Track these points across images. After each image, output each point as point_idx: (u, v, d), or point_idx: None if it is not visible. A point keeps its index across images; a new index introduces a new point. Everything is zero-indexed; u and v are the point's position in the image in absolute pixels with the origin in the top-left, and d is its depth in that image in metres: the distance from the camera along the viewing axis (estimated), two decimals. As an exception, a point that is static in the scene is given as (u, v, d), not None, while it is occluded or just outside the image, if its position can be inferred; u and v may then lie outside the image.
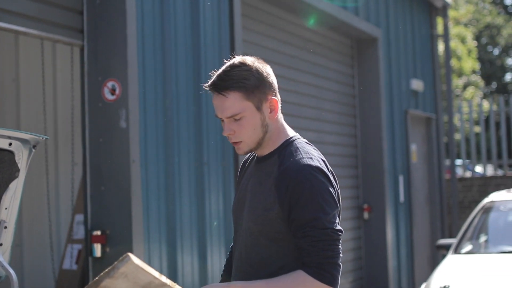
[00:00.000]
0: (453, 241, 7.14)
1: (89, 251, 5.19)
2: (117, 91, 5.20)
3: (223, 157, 6.23)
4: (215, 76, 2.61)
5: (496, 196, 7.48)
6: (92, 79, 5.29)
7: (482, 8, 30.56)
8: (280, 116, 2.70)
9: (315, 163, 2.57)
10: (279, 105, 2.67)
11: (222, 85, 2.58)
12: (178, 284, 5.51)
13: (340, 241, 2.54)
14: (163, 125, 5.57)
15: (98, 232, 5.17)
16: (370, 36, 9.28)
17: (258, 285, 2.55)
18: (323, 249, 2.49)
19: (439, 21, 11.93)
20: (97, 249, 5.16)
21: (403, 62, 10.29)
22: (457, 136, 15.15)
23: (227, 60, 2.66)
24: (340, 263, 2.53)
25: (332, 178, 2.61)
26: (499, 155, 13.88)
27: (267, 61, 7.99)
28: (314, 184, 2.53)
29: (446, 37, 11.86)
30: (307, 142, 2.71)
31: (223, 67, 2.62)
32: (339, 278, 2.54)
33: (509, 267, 6.06)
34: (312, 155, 2.61)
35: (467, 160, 13.88)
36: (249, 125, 2.59)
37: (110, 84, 5.23)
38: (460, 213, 12.05)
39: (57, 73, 6.64)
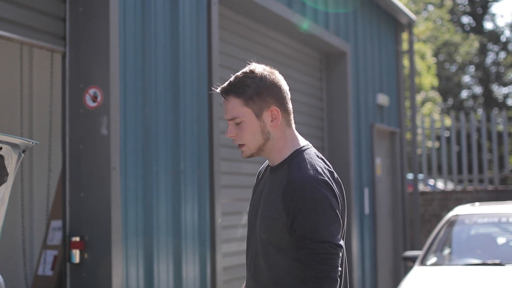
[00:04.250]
0: (419, 253, 7.29)
1: (68, 257, 5.20)
2: (99, 98, 5.24)
3: (199, 166, 6.30)
4: (227, 81, 2.77)
5: (460, 210, 7.65)
6: (74, 86, 5.32)
7: (441, 26, 31.09)
8: (290, 125, 2.79)
9: (319, 176, 2.65)
10: (290, 115, 2.77)
11: (226, 89, 2.74)
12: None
13: (339, 255, 2.60)
14: (142, 133, 5.62)
15: (77, 238, 5.19)
16: (339, 50, 9.43)
17: None
18: (320, 263, 2.56)
19: (404, 38, 12.16)
20: (76, 255, 5.18)
21: (370, 76, 10.47)
22: (418, 151, 15.41)
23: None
24: (337, 278, 2.58)
25: (337, 189, 2.69)
26: (459, 170, 14.16)
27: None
28: (316, 197, 2.60)
29: (410, 53, 12.09)
30: (316, 152, 2.78)
31: (237, 73, 2.77)
32: None
33: (473, 279, 6.21)
34: (318, 166, 2.69)
35: (428, 175, 14.12)
36: (247, 130, 2.72)
37: (92, 91, 5.27)
38: (421, 226, 12.27)
39: (35, 79, 6.64)
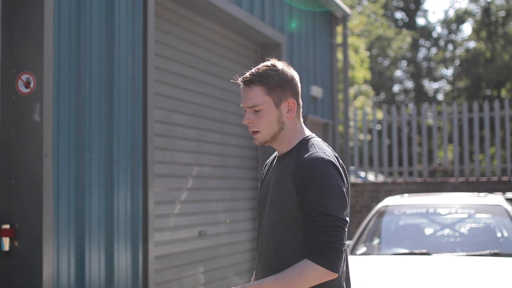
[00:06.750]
0: (349, 242, 7.41)
1: (-3, 244, 5.13)
2: (32, 84, 5.18)
3: (132, 154, 6.28)
4: (248, 72, 3.00)
5: (390, 201, 7.80)
6: (6, 71, 5.23)
7: (374, 20, 31.54)
8: (300, 117, 3.04)
9: (327, 157, 2.89)
10: (300, 109, 3.01)
11: (250, 78, 2.95)
12: (85, 279, 5.52)
13: (345, 229, 2.80)
14: (75, 120, 5.58)
15: (7, 226, 5.11)
16: (274, 42, 9.50)
17: (268, 282, 2.82)
18: (326, 234, 2.77)
19: (338, 31, 12.30)
20: (6, 243, 5.11)
21: (304, 68, 10.58)
22: (350, 143, 15.64)
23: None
24: (342, 249, 2.78)
25: (342, 173, 2.90)
26: (390, 163, 14.41)
27: (177, 61, 8.03)
28: (324, 175, 2.82)
29: (344, 46, 12.25)
30: (322, 140, 3.03)
31: (257, 66, 3.01)
32: (340, 263, 2.79)
33: (401, 268, 6.36)
34: (325, 150, 2.93)
35: (360, 167, 14.33)
36: (266, 118, 2.94)
37: (24, 77, 5.20)
38: (352, 217, 12.47)
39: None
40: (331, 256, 2.75)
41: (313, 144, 2.94)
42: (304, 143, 2.96)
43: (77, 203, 5.56)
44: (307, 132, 3.03)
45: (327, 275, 2.78)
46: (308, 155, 2.87)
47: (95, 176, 5.76)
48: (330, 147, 3.00)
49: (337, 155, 2.96)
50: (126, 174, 6.17)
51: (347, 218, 2.83)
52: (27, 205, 5.16)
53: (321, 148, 2.92)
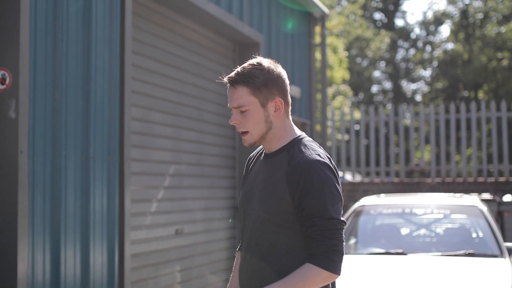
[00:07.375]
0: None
1: (-29, 241, 5.09)
2: (7, 81, 5.14)
3: (109, 152, 6.26)
4: (235, 70, 2.91)
5: (366, 201, 7.85)
6: (-19, 67, 5.20)
7: (353, 21, 31.64)
8: (289, 116, 3.01)
9: (322, 159, 2.88)
10: (289, 107, 2.97)
11: (235, 78, 2.92)
12: (60, 277, 5.49)
13: (344, 231, 2.84)
14: (51, 117, 5.54)
15: (-19, 223, 5.08)
16: (253, 41, 9.51)
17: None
18: (329, 237, 2.79)
19: (317, 31, 12.31)
20: (-20, 240, 5.07)
21: (282, 67, 10.56)
22: (328, 143, 15.68)
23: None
24: (343, 251, 2.83)
25: (336, 173, 2.91)
26: (367, 163, 14.46)
27: (154, 59, 8.00)
28: (322, 179, 2.82)
29: (323, 46, 12.28)
30: (313, 141, 3.02)
31: (244, 64, 2.96)
32: (341, 264, 2.83)
33: (376, 267, 6.39)
34: (319, 152, 2.92)
35: (337, 167, 14.39)
36: (252, 118, 2.91)
37: (0, 73, 5.16)
38: (329, 216, 12.47)
39: None
40: (335, 259, 2.79)
41: (305, 145, 2.93)
42: (296, 143, 2.94)
43: (53, 200, 5.52)
44: (298, 132, 3.01)
45: (331, 278, 2.83)
46: (302, 157, 2.86)
47: (71, 174, 5.73)
48: (321, 147, 2.99)
49: (329, 155, 2.96)
50: (102, 172, 6.14)
51: (344, 219, 2.88)
52: (1, 202, 5.12)
53: (315, 149, 2.91)
